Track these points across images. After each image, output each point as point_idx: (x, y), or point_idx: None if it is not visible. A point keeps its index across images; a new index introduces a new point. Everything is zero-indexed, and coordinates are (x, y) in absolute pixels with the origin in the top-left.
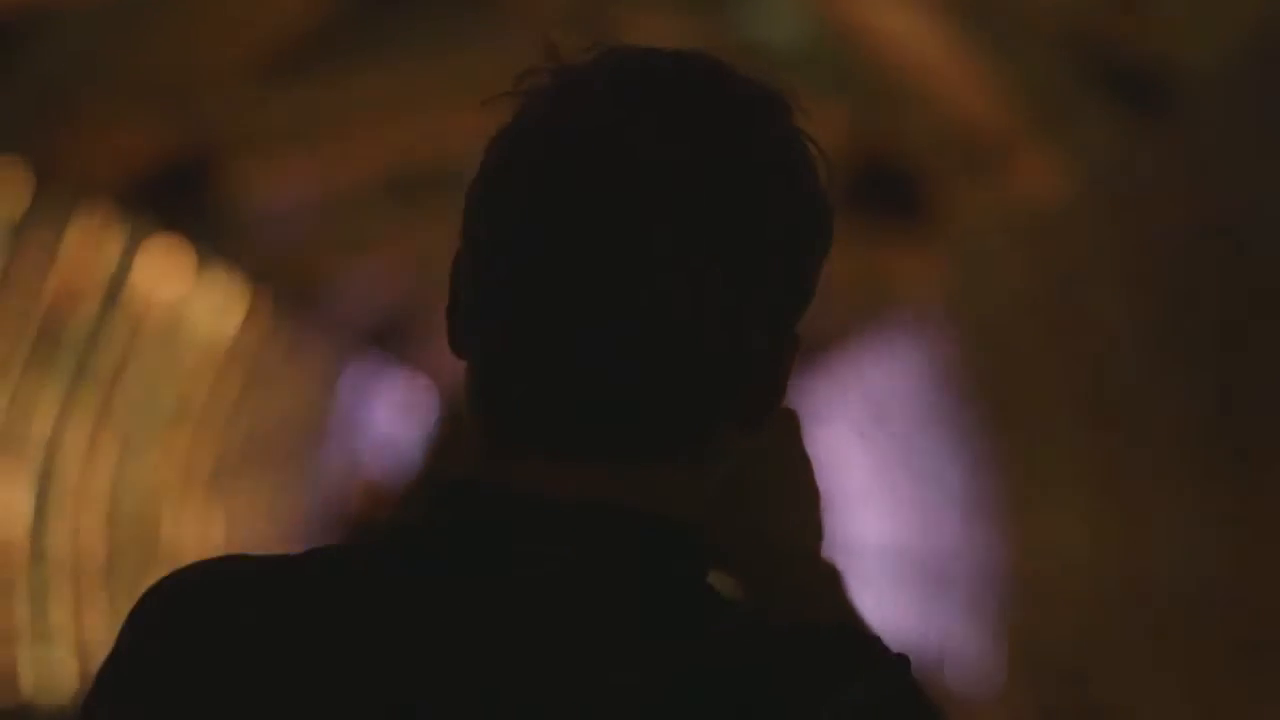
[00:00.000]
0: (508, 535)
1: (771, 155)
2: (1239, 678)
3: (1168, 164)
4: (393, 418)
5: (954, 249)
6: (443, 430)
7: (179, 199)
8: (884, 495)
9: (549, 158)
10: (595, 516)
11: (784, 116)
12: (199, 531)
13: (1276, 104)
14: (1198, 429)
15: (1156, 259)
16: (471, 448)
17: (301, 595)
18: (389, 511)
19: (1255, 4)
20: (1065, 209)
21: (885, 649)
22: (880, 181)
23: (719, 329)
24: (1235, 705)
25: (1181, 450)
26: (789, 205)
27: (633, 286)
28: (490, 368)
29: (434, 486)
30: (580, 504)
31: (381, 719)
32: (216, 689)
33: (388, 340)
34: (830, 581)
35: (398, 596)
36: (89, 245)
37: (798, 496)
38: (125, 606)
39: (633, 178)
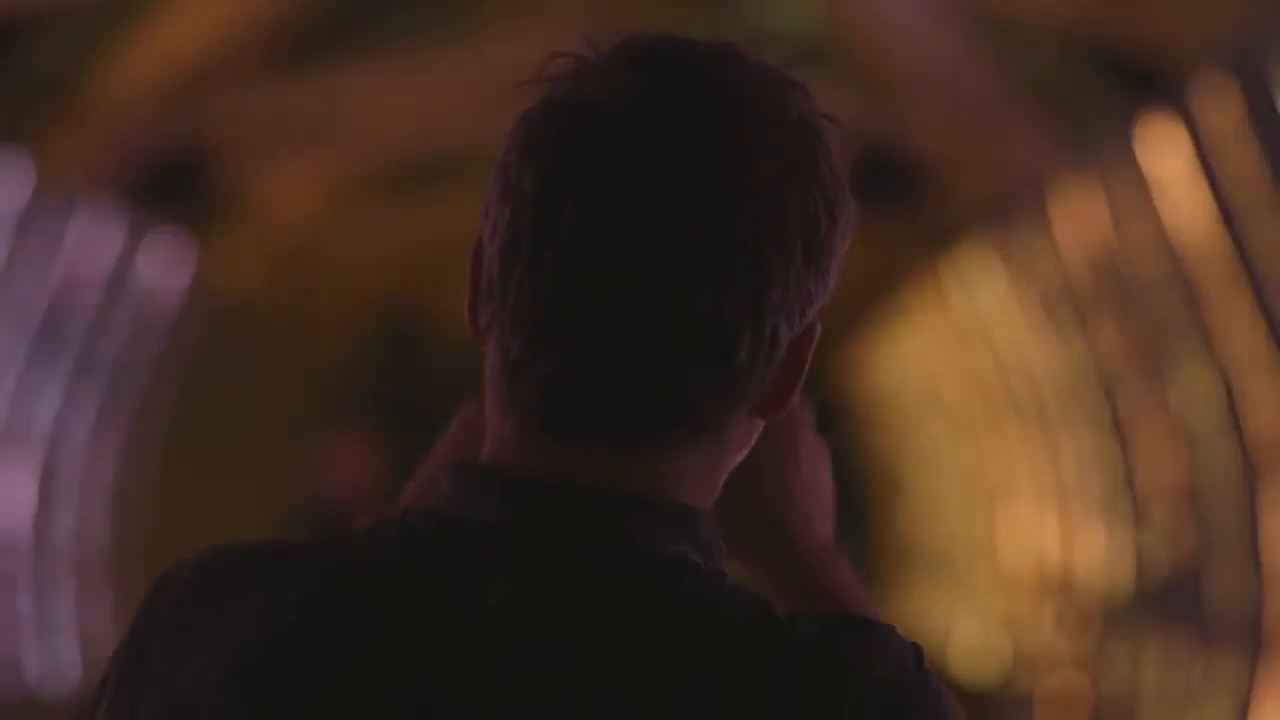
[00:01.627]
0: (532, 521)
1: (795, 140)
2: None
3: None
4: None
5: (954, 239)
6: (456, 419)
7: (180, 192)
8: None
9: (571, 143)
10: (617, 504)
11: (806, 101)
12: (212, 519)
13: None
14: None
15: None
16: (491, 432)
17: (319, 579)
18: (382, 499)
19: None
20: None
21: (899, 637)
22: (883, 172)
23: (740, 315)
24: None
25: None
26: (812, 191)
27: (655, 271)
28: (512, 352)
29: (456, 472)
30: (598, 491)
31: (404, 707)
32: (234, 673)
33: (388, 328)
34: (841, 570)
35: (424, 584)
36: (91, 238)
37: (810, 486)
38: (129, 597)
39: (655, 163)
